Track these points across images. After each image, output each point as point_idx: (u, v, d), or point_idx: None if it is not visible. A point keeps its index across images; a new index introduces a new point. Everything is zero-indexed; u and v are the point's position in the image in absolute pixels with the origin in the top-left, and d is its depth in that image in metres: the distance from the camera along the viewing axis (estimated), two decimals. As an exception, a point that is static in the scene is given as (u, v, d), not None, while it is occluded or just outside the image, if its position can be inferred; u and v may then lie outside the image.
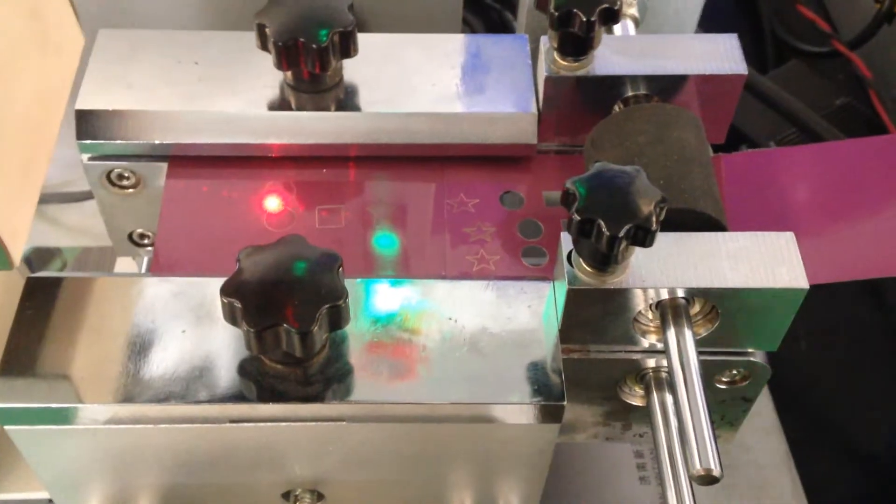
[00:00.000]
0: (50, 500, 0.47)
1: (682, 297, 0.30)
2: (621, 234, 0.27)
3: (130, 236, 0.41)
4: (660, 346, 0.32)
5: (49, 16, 0.31)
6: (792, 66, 0.70)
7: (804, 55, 0.71)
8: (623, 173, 0.28)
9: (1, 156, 0.27)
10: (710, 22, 0.51)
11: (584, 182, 0.28)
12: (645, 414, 0.36)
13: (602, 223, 0.27)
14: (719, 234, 0.31)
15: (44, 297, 0.31)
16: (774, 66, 0.72)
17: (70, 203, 0.57)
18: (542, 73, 0.37)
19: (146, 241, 0.41)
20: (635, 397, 0.35)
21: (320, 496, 0.34)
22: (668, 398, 0.33)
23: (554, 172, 0.38)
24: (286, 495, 0.34)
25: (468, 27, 0.66)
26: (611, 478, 0.49)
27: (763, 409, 0.53)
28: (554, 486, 0.38)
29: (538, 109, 0.37)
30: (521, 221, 0.37)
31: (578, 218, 0.28)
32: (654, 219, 0.27)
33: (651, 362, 0.33)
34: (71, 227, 0.57)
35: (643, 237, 0.27)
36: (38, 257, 0.55)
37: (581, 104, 0.37)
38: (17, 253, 0.28)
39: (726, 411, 0.36)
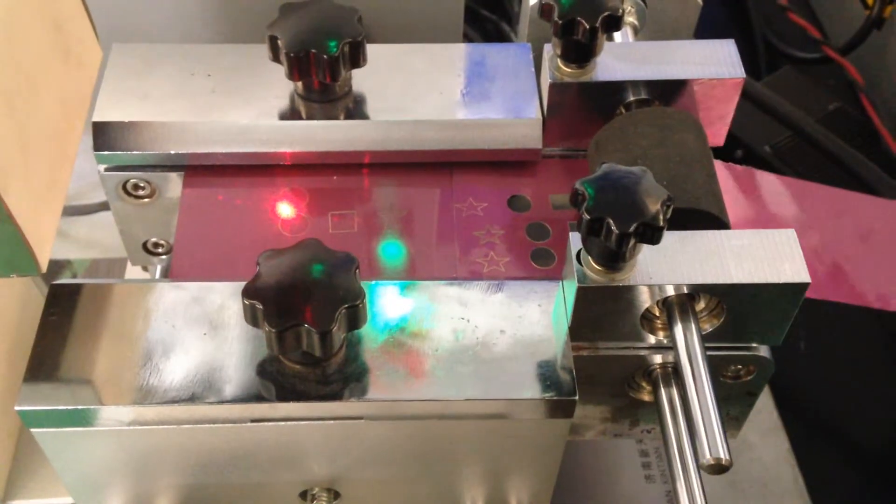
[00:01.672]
0: (68, 507, 0.48)
1: (688, 294, 0.31)
2: (630, 231, 0.28)
3: (145, 245, 0.42)
4: (667, 342, 0.33)
5: (70, 30, 0.32)
6: (784, 73, 0.71)
7: (796, 61, 0.73)
8: (630, 173, 0.29)
9: (28, 164, 0.28)
10: (702, 31, 0.52)
11: (592, 182, 0.29)
12: (652, 410, 0.36)
13: (611, 221, 0.28)
14: (723, 231, 0.32)
15: (66, 303, 0.32)
16: (767, 73, 0.73)
17: (80, 216, 0.57)
18: (547, 80, 0.38)
19: (160, 250, 0.42)
20: (643, 393, 0.35)
21: (337, 495, 0.35)
22: (675, 394, 0.34)
23: (559, 176, 0.39)
24: (303, 495, 0.35)
25: (467, 38, 0.67)
26: (616, 477, 0.50)
27: (764, 408, 0.53)
28: (560, 485, 0.38)
29: (542, 115, 0.38)
30: (529, 224, 0.38)
31: (588, 217, 0.28)
32: (661, 217, 0.28)
33: (658, 358, 0.34)
34: (80, 240, 0.58)
35: (651, 234, 0.28)
36: (49, 269, 0.56)
37: (584, 109, 0.38)
38: (44, 258, 0.28)
39: (731, 407, 0.37)
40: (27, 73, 0.28)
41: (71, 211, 0.57)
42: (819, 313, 0.54)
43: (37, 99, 0.29)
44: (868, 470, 0.56)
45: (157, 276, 0.45)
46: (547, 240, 0.37)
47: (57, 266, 0.57)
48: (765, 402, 0.54)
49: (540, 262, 0.36)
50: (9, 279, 0.42)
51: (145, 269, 0.47)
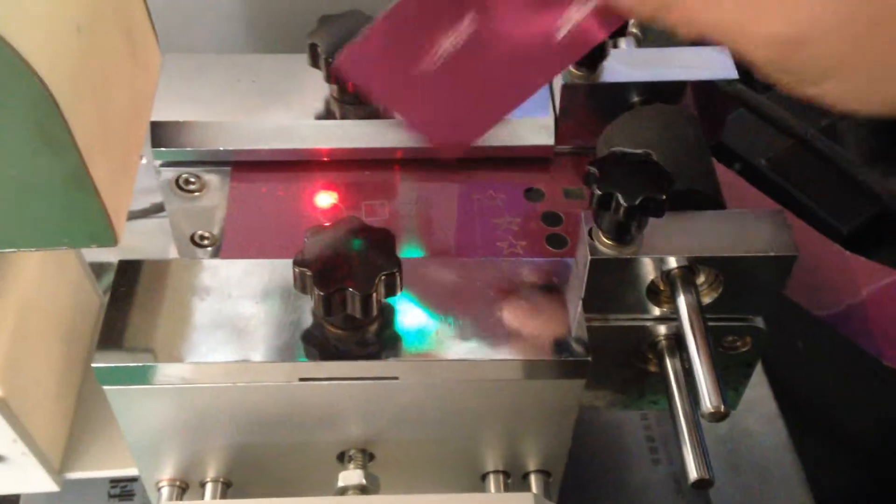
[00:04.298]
0: (111, 480, 0.51)
1: (689, 267, 0.35)
2: (636, 204, 0.32)
3: (192, 238, 0.45)
4: (671, 314, 0.37)
5: (137, 36, 0.36)
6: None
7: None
8: (636, 155, 0.33)
9: (108, 146, 0.32)
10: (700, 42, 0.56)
11: (603, 163, 0.33)
12: (657, 382, 0.40)
13: (619, 196, 0.32)
14: (720, 211, 0.36)
15: (132, 276, 0.36)
16: (764, 87, 0.77)
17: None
18: (559, 83, 0.42)
19: (206, 242, 0.46)
20: (649, 364, 0.39)
21: (371, 457, 0.39)
22: (679, 365, 0.37)
23: (571, 170, 0.43)
24: (340, 457, 0.39)
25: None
26: (625, 461, 0.53)
27: (763, 398, 0.57)
28: (570, 470, 0.42)
29: (555, 115, 0.42)
30: (544, 212, 0.41)
31: (599, 193, 0.32)
32: (664, 191, 0.32)
33: (663, 329, 0.37)
34: (121, 246, 0.62)
35: (655, 207, 0.32)
36: (92, 271, 0.60)
37: (593, 109, 0.42)
38: (121, 230, 0.32)
39: (730, 377, 0.40)
40: (105, 70, 0.32)
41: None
42: (813, 318, 0.58)
43: (113, 92, 0.33)
44: (862, 457, 0.59)
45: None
46: (560, 226, 0.41)
47: (100, 269, 0.61)
48: (764, 393, 0.57)
49: (554, 245, 0.40)
50: (65, 269, 0.46)
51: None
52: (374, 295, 0.32)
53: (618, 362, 0.39)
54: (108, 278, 0.62)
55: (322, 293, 0.32)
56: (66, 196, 0.30)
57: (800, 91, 0.29)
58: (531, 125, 0.43)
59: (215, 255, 0.46)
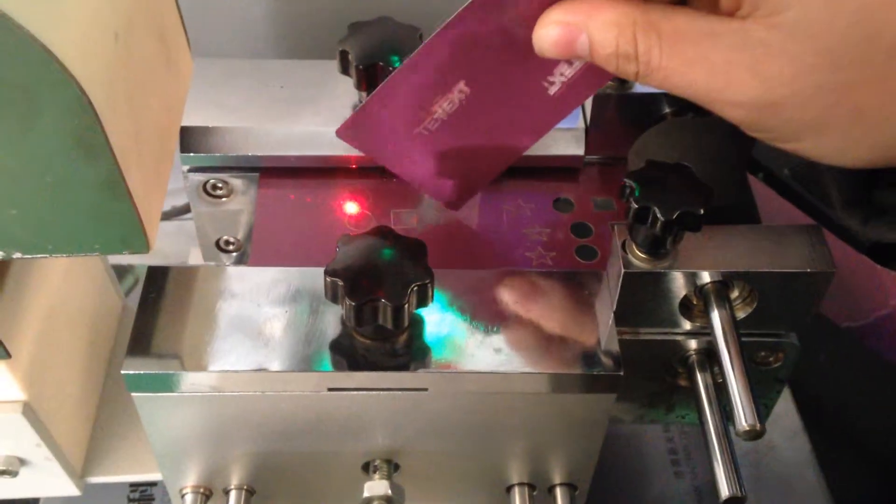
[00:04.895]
0: (131, 484, 0.51)
1: (723, 282, 0.34)
2: (674, 218, 0.31)
3: (217, 243, 0.45)
4: (703, 328, 0.36)
5: (171, 41, 0.36)
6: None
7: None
8: (673, 168, 0.33)
9: (141, 153, 0.31)
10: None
11: (639, 176, 0.33)
12: (686, 397, 0.39)
13: (657, 209, 0.31)
14: (755, 225, 0.35)
15: (162, 283, 0.36)
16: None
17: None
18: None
19: (231, 248, 0.46)
20: (680, 379, 0.38)
21: (396, 467, 0.38)
22: (710, 380, 0.37)
23: (600, 181, 0.43)
24: (365, 467, 0.38)
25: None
26: (647, 474, 0.53)
27: (788, 413, 0.56)
28: (592, 481, 0.41)
29: (585, 125, 0.42)
30: (573, 223, 0.41)
31: (636, 206, 0.32)
32: (702, 205, 0.32)
33: (694, 344, 0.37)
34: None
35: (693, 222, 0.31)
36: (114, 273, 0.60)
37: (624, 120, 0.42)
38: (153, 237, 0.32)
39: (760, 392, 0.40)
40: (141, 77, 0.32)
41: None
42: (839, 329, 0.57)
43: (147, 99, 0.33)
44: (885, 473, 0.58)
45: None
46: (590, 237, 0.41)
47: (121, 270, 0.61)
48: (787, 408, 0.56)
49: (584, 257, 0.40)
50: (90, 272, 0.46)
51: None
52: (406, 306, 0.32)
53: (647, 376, 0.38)
54: (129, 280, 0.62)
55: (353, 303, 0.32)
56: (101, 202, 0.30)
57: (778, 145, 0.30)
58: (561, 135, 0.42)
59: (240, 260, 0.46)
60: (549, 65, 0.34)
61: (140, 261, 0.65)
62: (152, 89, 0.34)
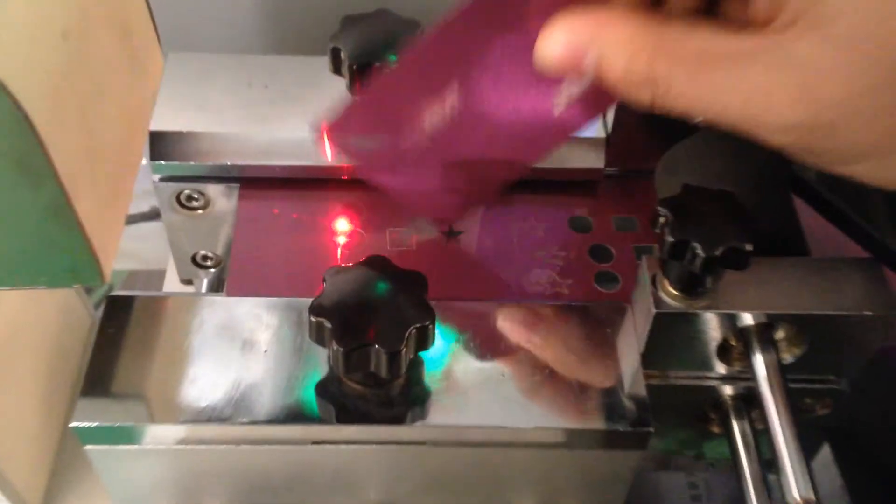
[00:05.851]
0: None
1: (768, 322, 0.30)
2: (717, 255, 0.27)
3: (194, 258, 0.41)
4: (742, 372, 0.32)
5: (137, 38, 0.31)
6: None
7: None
8: (714, 195, 0.28)
9: (95, 171, 0.27)
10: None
11: (674, 203, 0.28)
12: (718, 442, 0.35)
13: (697, 245, 0.27)
14: (805, 258, 0.31)
15: (124, 316, 0.31)
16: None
17: (119, 226, 0.57)
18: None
19: (209, 263, 0.41)
20: (711, 425, 0.34)
21: (391, 522, 0.34)
22: (749, 427, 0.32)
23: (621, 197, 0.38)
24: (356, 520, 0.34)
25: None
26: (665, 508, 0.48)
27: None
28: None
29: (606, 134, 0.37)
30: (592, 246, 0.36)
31: (672, 240, 0.27)
32: (749, 239, 0.27)
33: (730, 390, 0.33)
34: (119, 251, 0.57)
35: (739, 260, 0.27)
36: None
37: (651, 129, 0.37)
38: (108, 268, 0.28)
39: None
40: (97, 80, 0.28)
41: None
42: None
43: (104, 107, 0.28)
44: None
45: (204, 288, 0.44)
46: (611, 262, 0.36)
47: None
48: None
49: (604, 285, 0.35)
50: (54, 291, 0.42)
51: (186, 282, 0.47)
52: (403, 351, 0.28)
53: (675, 423, 0.34)
54: (102, 290, 0.57)
55: (342, 349, 0.27)
56: (46, 231, 0.26)
57: (827, 169, 0.26)
58: (578, 145, 0.38)
59: (219, 275, 0.42)
60: (553, 81, 0.30)
61: (118, 266, 0.60)
62: (112, 94, 0.29)
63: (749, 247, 0.27)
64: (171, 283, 0.55)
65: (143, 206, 0.58)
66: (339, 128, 0.32)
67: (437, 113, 0.31)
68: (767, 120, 0.25)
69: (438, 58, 0.29)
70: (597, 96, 0.30)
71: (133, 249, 0.59)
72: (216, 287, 0.44)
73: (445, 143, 0.32)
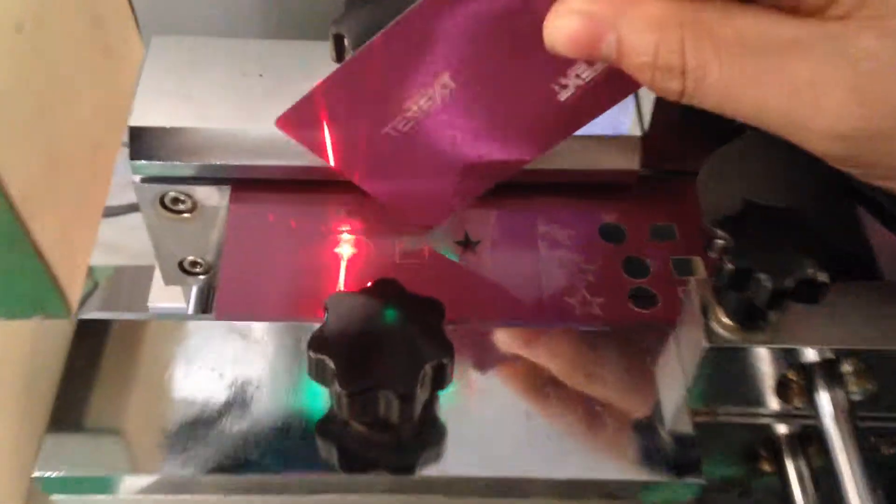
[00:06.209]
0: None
1: (834, 356, 0.26)
2: (789, 287, 0.23)
3: (181, 264, 0.37)
4: (799, 409, 0.28)
5: (112, 25, 0.27)
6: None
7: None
8: (780, 212, 0.24)
9: (58, 182, 0.23)
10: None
11: (734, 223, 0.24)
12: (766, 481, 0.31)
13: (763, 276, 0.23)
14: (876, 283, 0.27)
15: (95, 343, 0.27)
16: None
17: (105, 218, 0.53)
18: (651, 92, 0.33)
19: (198, 270, 0.37)
20: (761, 463, 0.30)
21: (400, 570, 0.30)
22: (805, 466, 0.29)
23: (657, 201, 0.34)
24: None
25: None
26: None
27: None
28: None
29: (642, 131, 0.33)
30: (626, 259, 0.33)
31: (732, 267, 0.23)
32: (825, 268, 0.23)
33: (786, 428, 0.29)
34: (104, 244, 0.53)
35: (813, 293, 0.23)
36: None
37: (692, 126, 0.33)
38: (74, 297, 0.24)
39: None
40: (64, 75, 0.24)
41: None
42: None
43: (72, 106, 0.24)
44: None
45: (193, 297, 0.40)
46: (647, 277, 0.32)
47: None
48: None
49: (641, 303, 0.31)
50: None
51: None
52: (416, 393, 0.24)
53: (722, 462, 0.30)
54: (86, 286, 0.53)
55: (346, 392, 0.24)
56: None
57: (872, 182, 0.24)
58: (610, 144, 0.34)
59: (210, 282, 0.38)
60: (562, 62, 0.26)
61: (102, 261, 0.56)
62: (80, 91, 0.25)
63: (826, 278, 0.23)
64: (162, 280, 0.51)
65: (130, 196, 0.54)
66: (292, 119, 0.29)
67: (420, 100, 0.27)
68: (814, 123, 0.22)
69: (423, 36, 0.26)
70: (614, 82, 0.27)
71: (119, 243, 0.56)
72: (207, 294, 0.41)
73: (428, 136, 0.29)
